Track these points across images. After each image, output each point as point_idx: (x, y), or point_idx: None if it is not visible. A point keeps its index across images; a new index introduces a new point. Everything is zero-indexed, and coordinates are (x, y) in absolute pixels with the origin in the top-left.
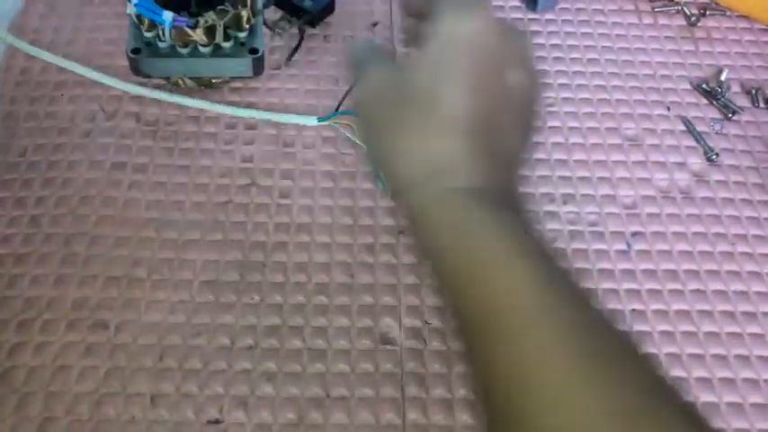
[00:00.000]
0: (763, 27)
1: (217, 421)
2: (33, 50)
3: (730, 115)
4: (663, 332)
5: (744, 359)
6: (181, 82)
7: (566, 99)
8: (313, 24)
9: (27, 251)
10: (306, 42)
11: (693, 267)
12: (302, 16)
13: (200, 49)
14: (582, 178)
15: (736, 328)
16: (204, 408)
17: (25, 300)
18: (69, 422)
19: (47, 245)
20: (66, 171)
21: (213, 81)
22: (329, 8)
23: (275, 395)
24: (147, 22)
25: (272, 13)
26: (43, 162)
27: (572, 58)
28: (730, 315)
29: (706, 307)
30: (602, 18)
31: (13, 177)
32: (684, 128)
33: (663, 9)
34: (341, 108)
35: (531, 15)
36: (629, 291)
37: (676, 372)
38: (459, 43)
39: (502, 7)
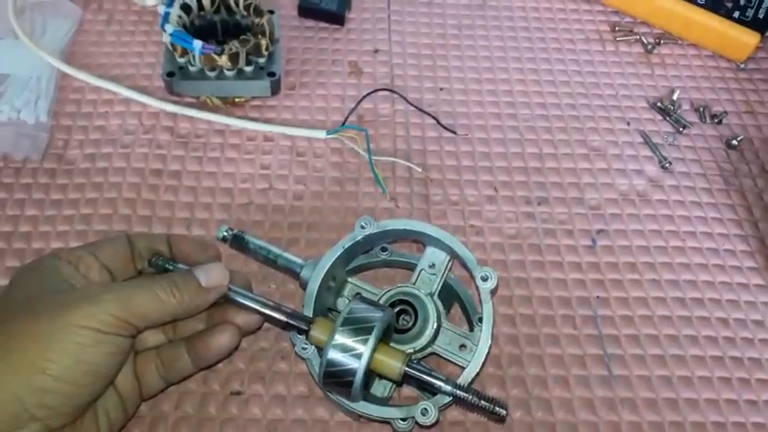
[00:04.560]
0: (710, 54)
1: (239, 393)
2: (83, 75)
3: (681, 129)
4: (623, 316)
5: (692, 339)
6: (209, 101)
7: (540, 115)
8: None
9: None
10: (316, 66)
11: (649, 260)
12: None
13: (226, 72)
14: (554, 183)
15: (685, 313)
16: (228, 381)
17: None
18: None
19: (94, 240)
20: (112, 177)
21: (237, 100)
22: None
23: (289, 371)
24: (180, 49)
25: None
26: (92, 169)
27: (546, 80)
28: (681, 301)
29: (660, 294)
30: (571, 46)
31: (66, 182)
32: (642, 140)
33: (623, 39)
34: (347, 123)
35: (512, 44)
36: (594, 280)
37: (634, 350)
38: None
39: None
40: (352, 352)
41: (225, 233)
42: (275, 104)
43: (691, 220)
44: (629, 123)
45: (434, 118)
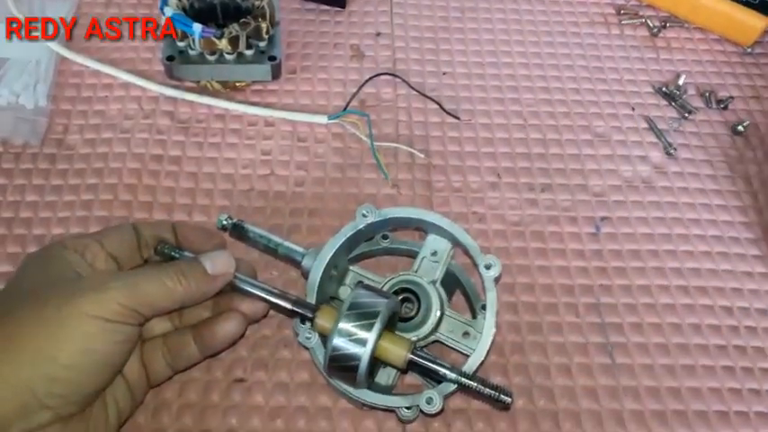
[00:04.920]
0: (716, 38)
1: (241, 380)
2: (82, 59)
3: (687, 115)
4: (626, 304)
5: (695, 327)
6: (209, 85)
7: (543, 100)
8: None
9: (79, 231)
10: (317, 50)
11: (653, 248)
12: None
13: (226, 56)
14: (557, 169)
15: (689, 301)
16: (231, 369)
17: None
18: None
19: (95, 226)
20: (112, 162)
21: (237, 84)
22: None
23: (292, 358)
24: (179, 32)
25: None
26: (92, 154)
27: (549, 64)
28: (684, 289)
29: (663, 282)
30: (575, 29)
31: (66, 168)
32: (647, 125)
33: (628, 22)
34: (348, 108)
35: (515, 27)
36: (597, 268)
37: (636, 338)
38: None
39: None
40: (357, 339)
41: (224, 222)
42: (276, 89)
43: (695, 207)
44: (633, 109)
45: (437, 103)
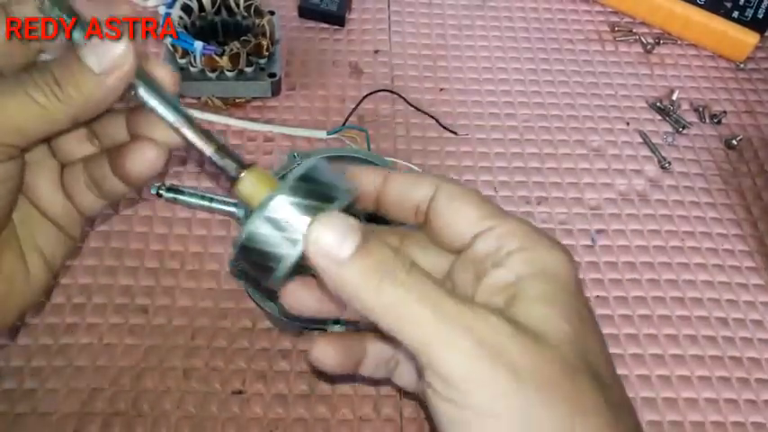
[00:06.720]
0: (709, 54)
1: (240, 392)
2: None
3: (681, 129)
4: (622, 315)
5: (692, 338)
6: (210, 101)
7: (539, 115)
8: (342, 24)
9: (79, 245)
10: (316, 67)
11: (648, 260)
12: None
13: (226, 73)
14: (553, 183)
15: (684, 312)
16: (229, 380)
17: (79, 287)
18: (114, 392)
19: (96, 240)
20: None
21: (237, 100)
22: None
23: (290, 369)
24: (180, 50)
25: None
26: None
27: (545, 80)
28: (680, 300)
29: (659, 293)
30: (570, 46)
31: None
32: (641, 140)
33: (623, 39)
34: (347, 123)
35: (511, 44)
36: (593, 280)
37: (633, 349)
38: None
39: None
40: (290, 227)
41: (159, 189)
42: (276, 105)
43: (690, 220)
44: (628, 123)
45: (434, 118)
